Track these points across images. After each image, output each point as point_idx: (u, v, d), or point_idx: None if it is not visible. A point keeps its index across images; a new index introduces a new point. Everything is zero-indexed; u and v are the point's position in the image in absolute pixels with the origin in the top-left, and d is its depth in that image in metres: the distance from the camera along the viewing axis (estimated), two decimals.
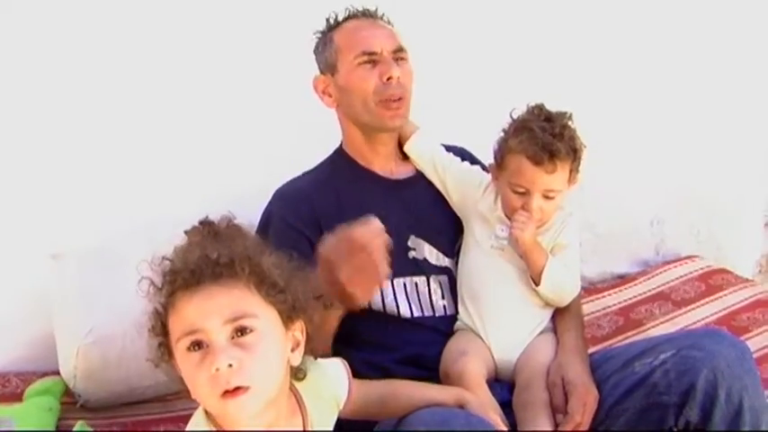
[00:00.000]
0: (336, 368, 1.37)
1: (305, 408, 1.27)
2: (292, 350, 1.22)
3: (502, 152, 1.72)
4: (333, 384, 1.34)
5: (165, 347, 1.20)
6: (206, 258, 1.15)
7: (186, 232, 1.26)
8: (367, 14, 1.85)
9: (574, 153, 1.67)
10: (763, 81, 2.88)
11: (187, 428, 1.24)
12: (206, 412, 1.21)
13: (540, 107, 1.71)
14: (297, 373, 1.26)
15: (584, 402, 1.57)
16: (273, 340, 1.18)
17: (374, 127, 1.80)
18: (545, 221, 1.71)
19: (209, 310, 1.13)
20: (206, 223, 1.26)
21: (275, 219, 1.78)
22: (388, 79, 1.75)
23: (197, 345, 1.14)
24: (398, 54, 1.79)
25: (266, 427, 1.19)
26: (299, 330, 1.23)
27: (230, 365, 1.11)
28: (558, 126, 1.66)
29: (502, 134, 1.74)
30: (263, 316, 1.17)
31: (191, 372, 1.14)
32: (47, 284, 2.06)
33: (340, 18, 1.85)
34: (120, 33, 2.15)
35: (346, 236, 1.43)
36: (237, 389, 1.12)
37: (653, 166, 2.74)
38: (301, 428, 1.26)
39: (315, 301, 1.26)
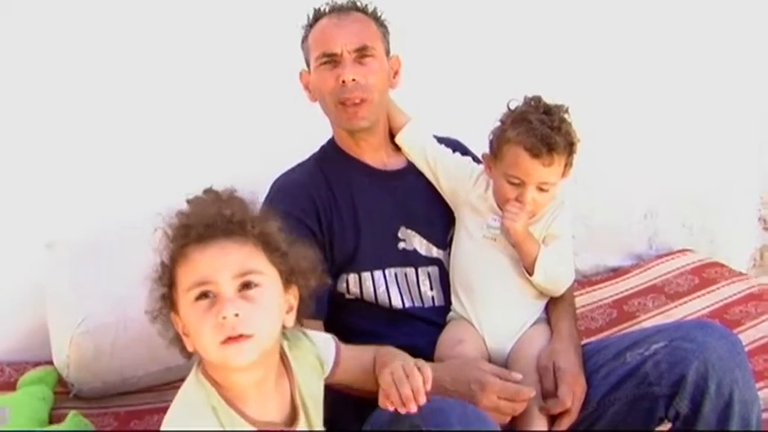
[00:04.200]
0: (324, 339, 1.44)
1: (292, 372, 1.33)
2: (287, 312, 1.31)
3: (499, 142, 1.71)
4: (319, 351, 1.40)
5: (167, 300, 1.26)
6: (221, 215, 1.23)
7: (189, 201, 1.30)
8: (342, 8, 1.82)
9: (570, 147, 1.68)
10: (755, 77, 2.88)
11: (177, 397, 1.30)
12: (201, 373, 1.27)
13: (538, 99, 1.70)
14: (284, 333, 1.34)
15: (573, 391, 1.58)
16: (274, 297, 1.26)
17: (340, 126, 1.81)
18: (536, 213, 1.71)
19: (221, 264, 1.21)
20: (210, 192, 1.31)
21: (275, 210, 1.78)
22: (343, 82, 1.73)
23: (205, 295, 1.21)
24: (362, 52, 1.76)
25: (255, 383, 1.26)
26: (293, 296, 1.31)
27: (236, 315, 1.19)
28: (556, 119, 1.66)
29: (499, 124, 1.73)
30: (268, 273, 1.25)
31: (196, 319, 1.21)
32: (40, 274, 2.06)
33: (319, 13, 1.84)
34: (114, 27, 2.15)
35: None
36: (241, 336, 1.19)
37: (646, 160, 2.74)
38: (288, 389, 1.32)
39: (311, 270, 1.33)
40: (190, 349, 1.26)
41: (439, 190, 1.85)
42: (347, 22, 1.80)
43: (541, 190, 1.68)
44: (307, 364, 1.36)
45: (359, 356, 1.47)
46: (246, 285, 1.22)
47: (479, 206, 1.77)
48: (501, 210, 1.72)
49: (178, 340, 1.28)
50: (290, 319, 1.32)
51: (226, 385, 1.26)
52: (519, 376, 1.57)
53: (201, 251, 1.22)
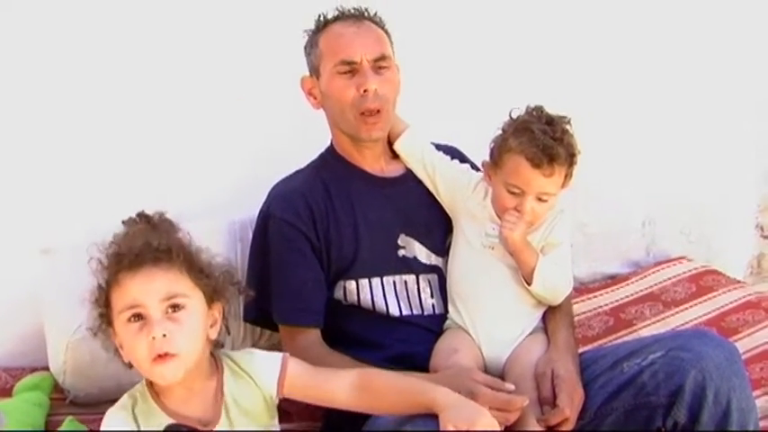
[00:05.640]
0: (268, 358, 1.49)
1: (222, 374, 1.45)
2: (211, 326, 1.44)
3: (500, 150, 1.71)
4: (256, 369, 1.47)
5: (105, 318, 1.41)
6: (149, 245, 1.38)
7: (124, 222, 1.49)
8: (354, 15, 1.80)
9: (571, 158, 1.68)
10: (752, 85, 2.88)
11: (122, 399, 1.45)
12: (147, 384, 1.43)
13: (541, 109, 1.70)
14: (216, 345, 1.48)
15: (572, 399, 1.57)
16: (198, 316, 1.40)
17: (353, 136, 1.80)
18: (535, 223, 1.71)
19: (149, 290, 1.35)
20: (143, 216, 1.49)
21: (273, 219, 1.78)
22: (365, 92, 1.73)
23: (137, 317, 1.35)
24: (380, 63, 1.76)
25: (185, 385, 1.39)
26: (217, 311, 1.45)
27: (164, 335, 1.33)
28: (558, 130, 1.66)
29: (500, 132, 1.73)
30: (192, 296, 1.39)
31: (130, 339, 1.36)
32: (37, 280, 2.05)
33: (328, 18, 1.81)
34: (115, 30, 2.14)
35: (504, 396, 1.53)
36: (167, 354, 1.34)
37: (644, 168, 2.74)
38: (213, 390, 1.43)
39: (232, 287, 1.48)
40: (125, 360, 1.41)
41: (437, 197, 1.85)
42: (364, 31, 1.78)
43: (541, 200, 1.68)
44: (242, 378, 1.46)
45: (330, 379, 1.48)
46: (173, 307, 1.36)
47: (478, 214, 1.77)
48: (499, 218, 1.72)
49: (117, 353, 1.43)
50: (214, 332, 1.44)
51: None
52: (511, 387, 1.57)
53: (131, 278, 1.36)
